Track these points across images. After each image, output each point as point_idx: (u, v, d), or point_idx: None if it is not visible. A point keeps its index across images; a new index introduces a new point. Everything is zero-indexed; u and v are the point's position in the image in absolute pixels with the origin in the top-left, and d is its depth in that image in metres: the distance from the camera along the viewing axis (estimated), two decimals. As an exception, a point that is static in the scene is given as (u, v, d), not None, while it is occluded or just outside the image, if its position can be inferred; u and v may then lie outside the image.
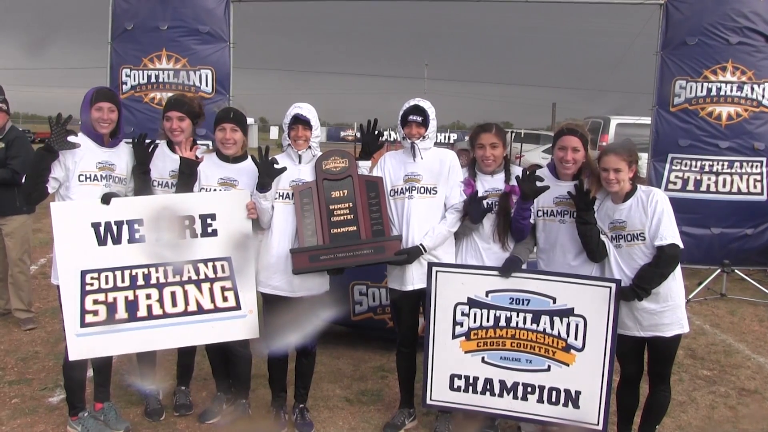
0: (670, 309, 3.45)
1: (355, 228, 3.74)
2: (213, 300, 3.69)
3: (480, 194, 3.72)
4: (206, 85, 7.40)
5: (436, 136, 3.94)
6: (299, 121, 3.76)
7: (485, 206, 3.71)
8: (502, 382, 3.67)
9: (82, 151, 3.64)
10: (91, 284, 3.55)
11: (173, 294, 3.65)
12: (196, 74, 7.37)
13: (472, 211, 3.70)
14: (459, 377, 3.73)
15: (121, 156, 3.80)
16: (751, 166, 7.40)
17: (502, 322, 3.64)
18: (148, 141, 3.78)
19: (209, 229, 3.71)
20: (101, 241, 3.59)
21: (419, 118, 3.76)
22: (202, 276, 3.69)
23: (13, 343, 5.39)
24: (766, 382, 4.96)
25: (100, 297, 3.55)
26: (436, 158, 3.82)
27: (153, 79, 7.36)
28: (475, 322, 3.67)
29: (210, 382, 4.33)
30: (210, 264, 3.71)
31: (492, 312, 3.65)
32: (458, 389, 3.73)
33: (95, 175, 3.68)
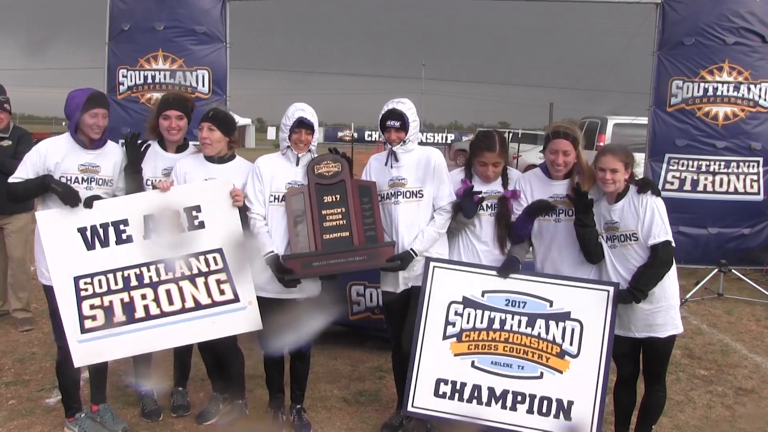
0: (663, 309, 3.45)
1: (347, 234, 3.66)
2: (210, 294, 3.65)
3: (475, 190, 3.69)
4: (203, 86, 7.41)
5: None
6: (303, 125, 3.70)
7: (479, 199, 3.67)
8: (491, 390, 3.51)
9: (64, 152, 3.61)
10: (86, 289, 3.55)
11: (168, 292, 3.62)
12: (192, 75, 7.37)
13: (465, 206, 3.66)
14: (445, 382, 3.56)
15: (108, 157, 3.74)
16: (748, 166, 7.43)
17: (496, 325, 3.56)
18: (140, 141, 3.76)
19: (196, 222, 3.66)
20: (89, 246, 3.57)
21: (397, 123, 3.67)
22: (195, 270, 3.65)
23: (10, 344, 5.37)
24: (763, 382, 4.97)
25: (96, 301, 3.55)
26: (420, 159, 3.74)
27: (150, 80, 7.36)
28: (468, 323, 3.59)
29: (207, 382, 4.32)
30: (201, 257, 3.66)
31: (486, 313, 3.57)
32: (443, 396, 3.55)
33: (76, 177, 3.62)
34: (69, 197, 3.52)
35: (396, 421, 4.00)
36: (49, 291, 3.62)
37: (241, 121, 39.83)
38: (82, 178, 3.64)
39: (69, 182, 3.60)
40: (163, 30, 7.31)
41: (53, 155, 3.60)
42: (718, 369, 5.20)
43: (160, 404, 4.15)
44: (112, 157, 3.76)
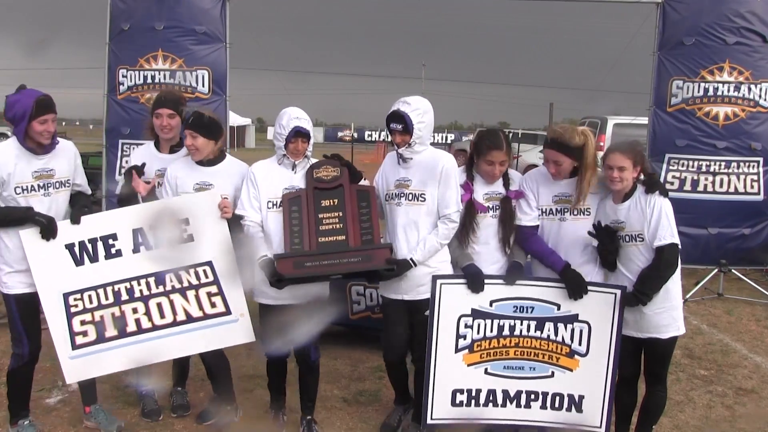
0: (666, 310, 3.44)
1: (343, 237, 3.59)
2: (201, 307, 3.63)
3: (480, 197, 3.68)
4: (203, 86, 7.38)
5: (433, 137, 3.83)
6: (300, 134, 3.64)
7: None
8: (506, 392, 3.60)
9: (14, 161, 3.47)
10: (76, 305, 3.54)
11: (159, 305, 3.60)
12: (192, 75, 7.35)
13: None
14: (461, 392, 3.60)
15: (60, 158, 3.64)
16: (748, 166, 7.41)
17: (506, 331, 3.57)
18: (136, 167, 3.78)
19: (184, 235, 3.63)
20: (78, 262, 3.55)
21: (399, 126, 3.56)
22: (185, 284, 3.62)
23: (9, 344, 5.35)
24: (763, 382, 4.97)
25: (87, 317, 3.55)
26: (428, 161, 3.63)
27: (149, 80, 7.33)
28: (478, 333, 3.57)
29: (207, 382, 4.30)
30: (192, 270, 3.62)
31: (496, 321, 3.56)
32: (460, 404, 3.60)
33: (32, 186, 3.51)
34: (48, 232, 3.49)
35: (394, 421, 4.00)
36: (8, 299, 3.58)
37: (241, 121, 39.97)
38: (39, 185, 3.54)
39: (26, 192, 3.50)
40: (163, 30, 7.28)
41: (4, 166, 3.44)
42: (718, 369, 5.20)
43: (160, 404, 4.15)
44: (64, 156, 3.68)
